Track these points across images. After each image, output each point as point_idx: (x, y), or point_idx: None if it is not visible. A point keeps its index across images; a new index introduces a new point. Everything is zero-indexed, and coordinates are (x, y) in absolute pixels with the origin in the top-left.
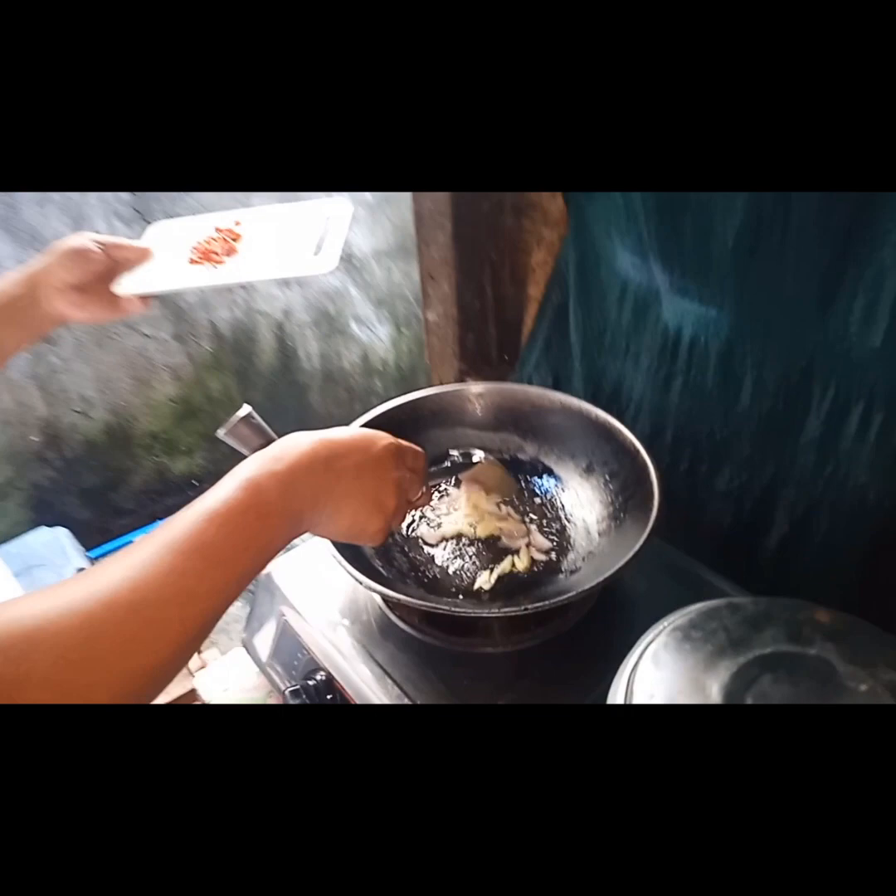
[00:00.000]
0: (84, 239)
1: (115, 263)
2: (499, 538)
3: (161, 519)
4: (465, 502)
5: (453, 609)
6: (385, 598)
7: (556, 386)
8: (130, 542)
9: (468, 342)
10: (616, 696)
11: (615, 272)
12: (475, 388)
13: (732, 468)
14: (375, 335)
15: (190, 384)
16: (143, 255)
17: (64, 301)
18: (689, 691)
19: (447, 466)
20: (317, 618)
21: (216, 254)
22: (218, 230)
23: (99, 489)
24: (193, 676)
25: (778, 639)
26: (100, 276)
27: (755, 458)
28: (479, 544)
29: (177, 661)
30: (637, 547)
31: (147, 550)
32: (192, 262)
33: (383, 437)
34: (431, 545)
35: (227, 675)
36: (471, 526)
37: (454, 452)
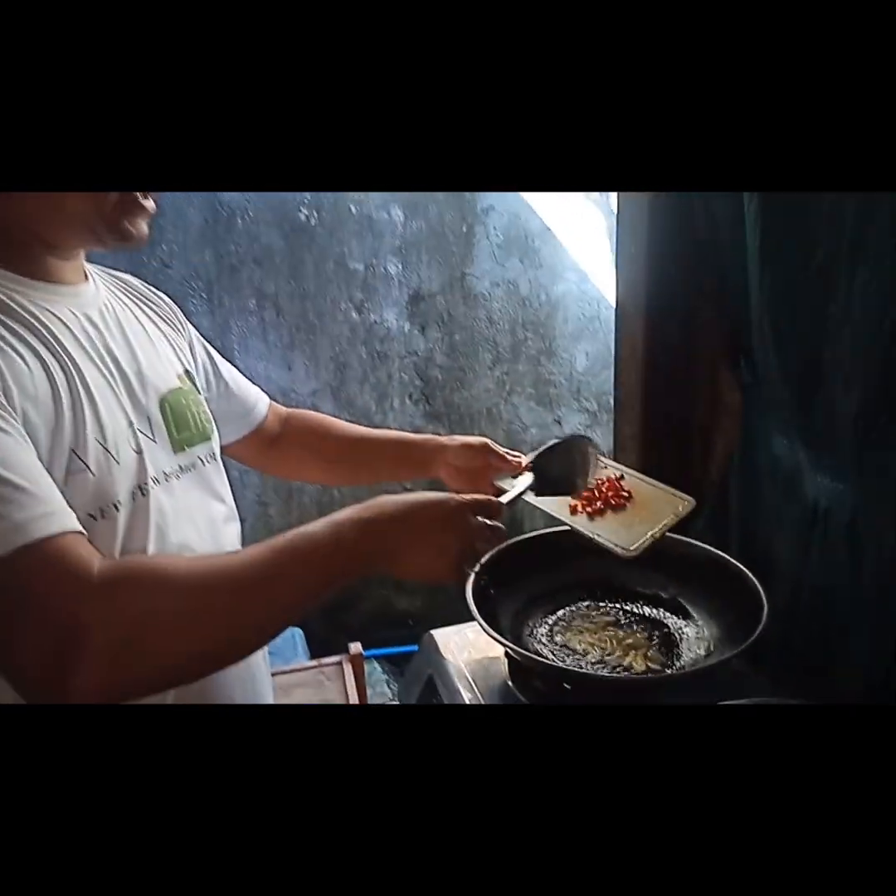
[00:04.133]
0: (482, 440)
1: (489, 464)
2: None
3: (376, 648)
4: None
5: (549, 661)
6: (509, 656)
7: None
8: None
9: None
10: None
11: (770, 453)
12: None
13: (859, 636)
14: None
15: None
16: (514, 468)
17: (445, 471)
18: None
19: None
20: (456, 679)
21: (601, 506)
22: (609, 481)
23: (337, 606)
24: None
25: None
26: (478, 470)
27: (877, 629)
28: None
29: (259, 630)
30: (721, 659)
31: (272, 555)
32: (573, 508)
33: (453, 499)
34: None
35: None
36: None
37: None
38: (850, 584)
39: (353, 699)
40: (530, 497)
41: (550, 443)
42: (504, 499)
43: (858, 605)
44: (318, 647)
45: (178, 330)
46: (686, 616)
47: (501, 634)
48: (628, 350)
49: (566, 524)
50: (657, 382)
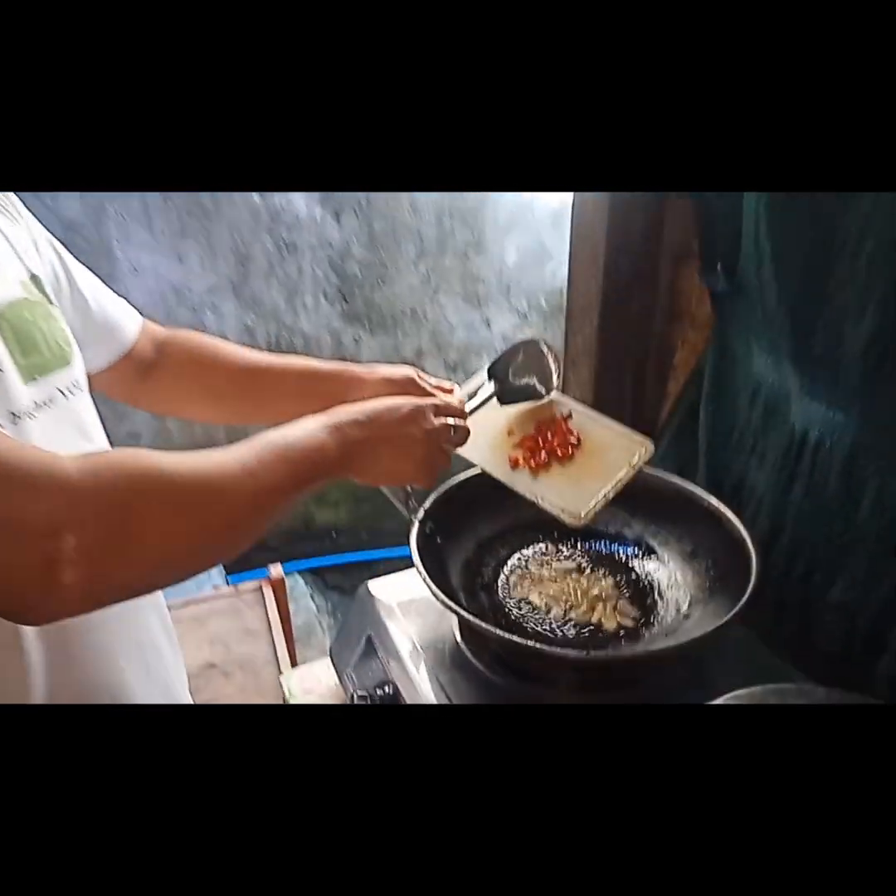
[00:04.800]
0: (406, 372)
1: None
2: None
3: (298, 560)
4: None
5: (513, 638)
6: (461, 624)
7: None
8: (266, 575)
9: None
10: None
11: (750, 373)
12: None
13: (847, 580)
14: None
15: None
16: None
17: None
18: None
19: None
20: (399, 639)
21: (546, 457)
22: (556, 422)
23: None
24: (282, 674)
25: None
26: None
27: (872, 572)
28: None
29: (241, 526)
30: (716, 625)
31: (252, 451)
32: (514, 461)
33: (413, 400)
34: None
35: (312, 678)
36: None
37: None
38: (841, 523)
39: (276, 626)
40: (470, 453)
41: (506, 349)
42: (467, 406)
43: (849, 546)
44: (235, 564)
45: (17, 223)
46: (655, 558)
47: (452, 593)
48: (585, 248)
49: (507, 486)
50: (616, 287)
